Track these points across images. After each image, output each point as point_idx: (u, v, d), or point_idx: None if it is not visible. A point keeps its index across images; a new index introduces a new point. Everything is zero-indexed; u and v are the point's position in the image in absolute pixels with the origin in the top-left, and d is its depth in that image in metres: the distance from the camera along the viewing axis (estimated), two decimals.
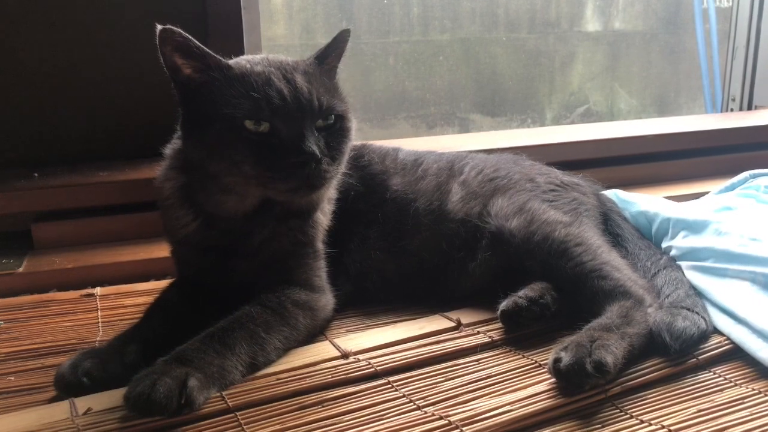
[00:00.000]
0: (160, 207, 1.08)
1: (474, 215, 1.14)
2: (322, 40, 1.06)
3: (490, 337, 0.98)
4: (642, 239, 1.22)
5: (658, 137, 1.79)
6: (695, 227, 1.15)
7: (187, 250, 1.08)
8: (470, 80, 3.32)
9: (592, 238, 1.07)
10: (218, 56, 0.94)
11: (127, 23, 1.49)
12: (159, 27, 0.90)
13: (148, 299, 1.07)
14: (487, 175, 1.21)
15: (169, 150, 1.07)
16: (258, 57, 1.00)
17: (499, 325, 1.02)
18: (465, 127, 3.31)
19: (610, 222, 1.23)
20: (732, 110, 2.38)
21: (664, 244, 1.20)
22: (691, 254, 1.12)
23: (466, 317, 1.05)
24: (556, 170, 1.29)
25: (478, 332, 1.00)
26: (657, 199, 1.31)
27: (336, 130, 0.98)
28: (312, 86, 0.95)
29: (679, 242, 1.15)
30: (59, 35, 1.46)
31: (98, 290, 1.23)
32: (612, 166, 1.77)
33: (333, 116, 0.97)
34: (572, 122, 3.41)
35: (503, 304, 1.00)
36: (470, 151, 1.35)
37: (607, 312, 0.94)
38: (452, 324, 1.03)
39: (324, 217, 1.08)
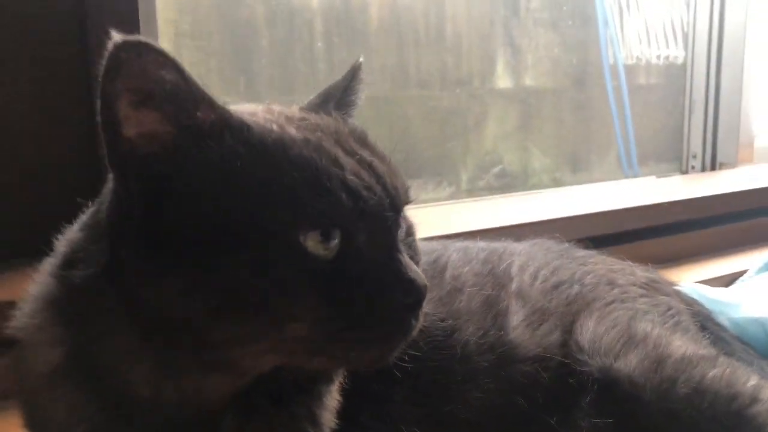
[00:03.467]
0: (21, 386, 0.59)
1: (553, 348, 0.74)
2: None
3: None
4: (764, 360, 0.85)
5: (674, 204, 1.48)
6: None
7: None
8: (383, 140, 3.03)
9: (761, 384, 0.69)
10: (223, 105, 0.50)
11: None
12: (117, 38, 0.48)
13: None
14: (547, 280, 0.82)
15: (49, 281, 0.58)
16: (257, 108, 0.57)
17: None
18: None
19: (709, 336, 0.86)
20: (693, 168, 2.18)
21: None
22: None
23: None
24: (627, 261, 0.92)
25: None
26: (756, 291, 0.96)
27: (407, 232, 0.63)
28: (381, 162, 0.59)
29: None
30: None
31: None
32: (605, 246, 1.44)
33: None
34: (488, 183, 3.24)
35: None
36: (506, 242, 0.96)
37: None
38: None
39: (335, 387, 0.63)
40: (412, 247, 0.63)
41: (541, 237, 1.09)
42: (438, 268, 0.83)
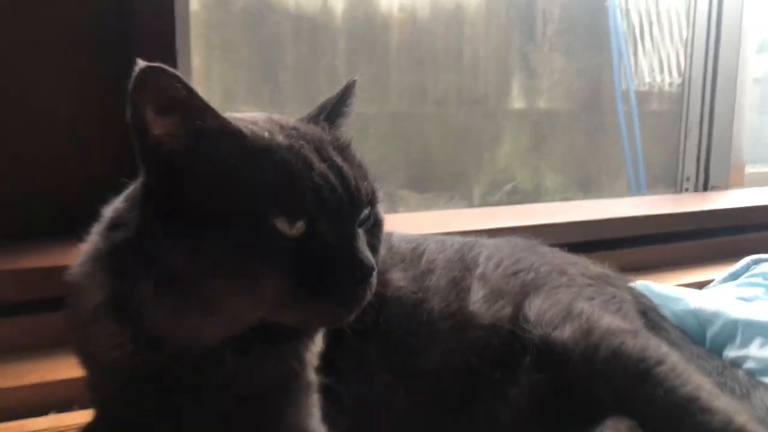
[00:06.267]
0: (73, 319, 0.75)
1: (505, 319, 0.88)
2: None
3: None
4: (695, 345, 1.00)
5: (647, 219, 1.61)
6: None
7: (114, 382, 0.75)
8: (399, 155, 3.16)
9: (669, 351, 0.83)
10: (223, 115, 0.65)
11: (22, 57, 1.20)
12: (141, 64, 0.62)
13: None
14: (508, 268, 0.96)
15: (97, 239, 0.73)
16: (258, 118, 0.72)
17: None
18: (393, 204, 3.11)
19: (651, 324, 1.00)
20: (687, 190, 2.30)
21: (730, 353, 0.98)
22: None
23: None
24: (584, 258, 1.06)
25: None
26: (710, 294, 1.09)
27: (373, 225, 0.74)
28: (351, 167, 0.70)
29: (756, 352, 0.94)
30: None
31: None
32: (591, 251, 1.57)
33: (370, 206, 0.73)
34: (499, 200, 3.33)
35: None
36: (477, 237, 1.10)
37: None
38: None
39: (320, 335, 0.78)
40: (375, 236, 0.75)
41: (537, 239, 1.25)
42: (417, 254, 0.98)
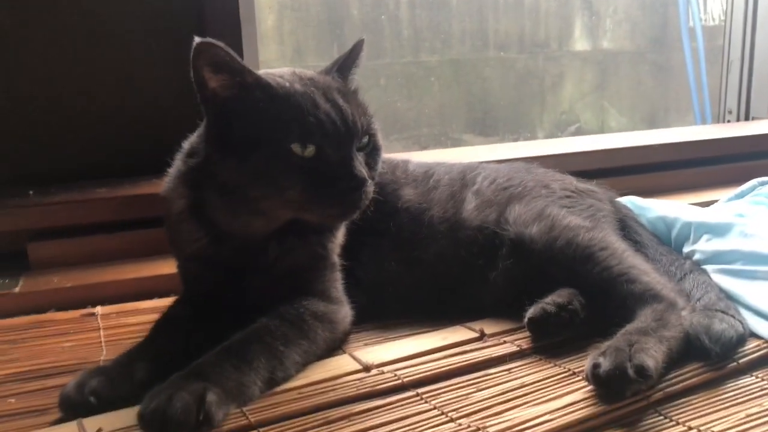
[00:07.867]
0: (166, 221, 1.04)
1: (491, 222, 1.11)
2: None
3: (518, 346, 0.94)
4: (661, 245, 1.19)
5: (664, 146, 1.77)
6: (718, 230, 1.12)
7: (195, 266, 1.03)
8: (461, 101, 3.32)
9: (616, 242, 1.04)
10: (256, 72, 0.91)
11: (121, 26, 1.45)
12: (197, 39, 0.87)
13: (153, 317, 1.02)
14: (500, 184, 1.18)
15: (179, 164, 1.02)
16: (285, 72, 0.97)
17: (525, 334, 0.98)
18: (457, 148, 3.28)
19: (627, 228, 1.20)
20: (729, 122, 2.37)
21: (685, 249, 1.17)
22: (716, 257, 1.09)
23: (489, 328, 1.01)
24: (570, 177, 1.26)
25: (505, 341, 0.96)
26: (675, 204, 1.29)
27: (371, 150, 0.96)
28: (351, 107, 0.93)
29: (702, 246, 1.13)
30: (49, 48, 1.41)
31: (99, 309, 1.18)
32: (617, 176, 1.74)
33: (368, 136, 0.95)
34: None
35: (530, 312, 0.96)
36: (480, 162, 1.32)
37: (640, 316, 0.90)
38: (476, 334, 0.99)
39: (340, 231, 1.04)
40: (372, 158, 0.96)
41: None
42: (427, 176, 1.21)
